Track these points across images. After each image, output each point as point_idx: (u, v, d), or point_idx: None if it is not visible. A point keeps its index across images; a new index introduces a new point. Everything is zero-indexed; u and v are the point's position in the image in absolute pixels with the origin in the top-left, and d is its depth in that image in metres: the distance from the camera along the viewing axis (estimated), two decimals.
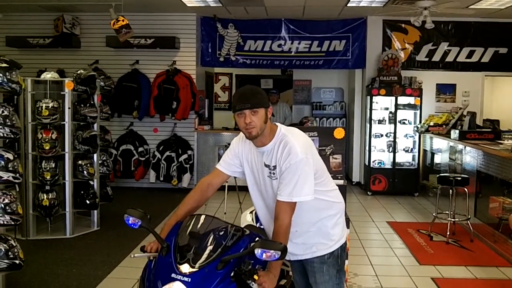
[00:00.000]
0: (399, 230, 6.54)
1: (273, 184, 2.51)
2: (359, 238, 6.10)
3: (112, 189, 6.99)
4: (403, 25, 9.08)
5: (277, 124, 2.58)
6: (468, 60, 9.10)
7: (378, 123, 8.84)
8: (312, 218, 2.59)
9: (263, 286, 2.22)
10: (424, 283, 4.72)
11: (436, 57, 9.14)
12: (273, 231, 2.42)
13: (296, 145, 2.43)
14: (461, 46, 9.08)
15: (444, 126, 8.21)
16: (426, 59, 9.17)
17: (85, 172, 6.14)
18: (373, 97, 8.75)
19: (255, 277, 2.19)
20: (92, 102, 6.26)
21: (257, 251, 2.10)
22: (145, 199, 8.31)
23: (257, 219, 3.29)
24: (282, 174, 2.44)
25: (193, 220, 2.46)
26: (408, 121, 8.82)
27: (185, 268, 2.17)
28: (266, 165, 2.53)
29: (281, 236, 2.36)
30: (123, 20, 7.02)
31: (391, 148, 8.79)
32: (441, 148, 7.93)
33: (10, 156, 4.01)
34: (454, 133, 7.19)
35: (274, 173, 2.49)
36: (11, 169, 3.98)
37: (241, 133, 2.62)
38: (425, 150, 8.85)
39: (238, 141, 2.69)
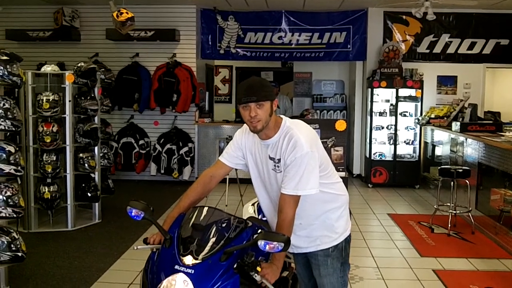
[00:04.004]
0: (400, 222, 6.55)
1: (277, 177, 2.50)
2: (360, 230, 6.11)
3: (113, 182, 7.00)
4: (404, 17, 9.05)
5: (282, 116, 2.55)
6: (469, 51, 9.08)
7: (379, 115, 8.83)
8: (316, 211, 2.58)
9: (266, 277, 2.22)
10: (426, 275, 4.73)
11: (437, 49, 9.12)
12: (277, 224, 2.42)
13: (301, 138, 2.41)
14: (462, 38, 9.05)
15: (445, 118, 8.20)
16: (427, 51, 9.14)
17: (86, 165, 6.14)
18: (374, 89, 8.73)
19: (258, 268, 2.19)
20: (92, 95, 6.25)
21: (260, 243, 2.10)
22: (146, 191, 8.32)
23: (259, 211, 3.30)
24: (287, 168, 2.42)
25: (196, 212, 2.46)
26: (409, 113, 8.82)
27: (188, 260, 2.17)
28: (270, 158, 2.51)
29: (285, 229, 2.35)
30: (127, 13, 7.00)
31: (392, 140, 8.79)
32: (442, 140, 7.92)
33: (12, 149, 4.01)
34: (455, 125, 7.18)
35: (278, 166, 2.47)
36: (12, 162, 3.98)
37: (244, 125, 2.60)
38: (426, 142, 8.85)
39: (241, 133, 2.68)
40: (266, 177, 2.58)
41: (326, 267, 2.63)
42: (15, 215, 4.04)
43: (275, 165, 2.49)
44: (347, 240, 2.68)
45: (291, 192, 2.39)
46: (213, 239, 2.28)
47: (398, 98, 8.67)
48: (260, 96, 2.37)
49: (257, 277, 2.18)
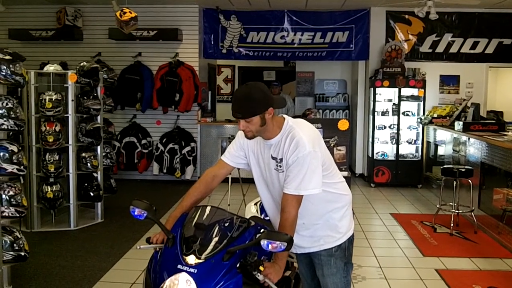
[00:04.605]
0: (403, 221, 6.54)
1: (280, 177, 2.50)
2: (363, 230, 6.11)
3: (115, 181, 7.00)
4: (406, 16, 9.04)
5: (284, 116, 2.55)
6: (472, 51, 9.06)
7: (382, 115, 8.82)
8: (319, 210, 2.58)
9: (269, 277, 2.22)
10: (428, 274, 4.72)
11: (440, 48, 9.10)
12: (280, 224, 2.42)
13: (303, 138, 2.41)
14: (465, 37, 9.03)
15: (447, 117, 8.19)
16: (430, 50, 9.12)
17: (88, 164, 6.15)
18: (377, 88, 8.72)
19: (261, 268, 2.19)
20: (95, 95, 6.26)
21: (263, 242, 2.10)
22: (149, 191, 8.33)
23: (262, 210, 3.29)
24: (289, 167, 2.41)
25: (199, 212, 2.45)
26: (412, 112, 8.81)
27: (191, 259, 2.17)
28: (273, 158, 2.51)
29: (288, 229, 2.35)
30: (130, 12, 7.01)
31: (394, 140, 8.78)
32: (445, 140, 7.91)
33: (15, 149, 4.01)
34: (458, 125, 7.16)
35: (280, 166, 2.47)
36: (15, 161, 3.99)
37: None
38: (428, 142, 8.84)
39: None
40: (268, 176, 2.58)
41: (329, 267, 2.63)
42: (18, 215, 4.04)
43: (277, 165, 2.49)
44: (350, 240, 2.68)
45: (294, 192, 2.39)
46: (215, 239, 2.28)
47: (400, 98, 8.66)
48: (245, 113, 2.37)
49: (260, 277, 2.18)
